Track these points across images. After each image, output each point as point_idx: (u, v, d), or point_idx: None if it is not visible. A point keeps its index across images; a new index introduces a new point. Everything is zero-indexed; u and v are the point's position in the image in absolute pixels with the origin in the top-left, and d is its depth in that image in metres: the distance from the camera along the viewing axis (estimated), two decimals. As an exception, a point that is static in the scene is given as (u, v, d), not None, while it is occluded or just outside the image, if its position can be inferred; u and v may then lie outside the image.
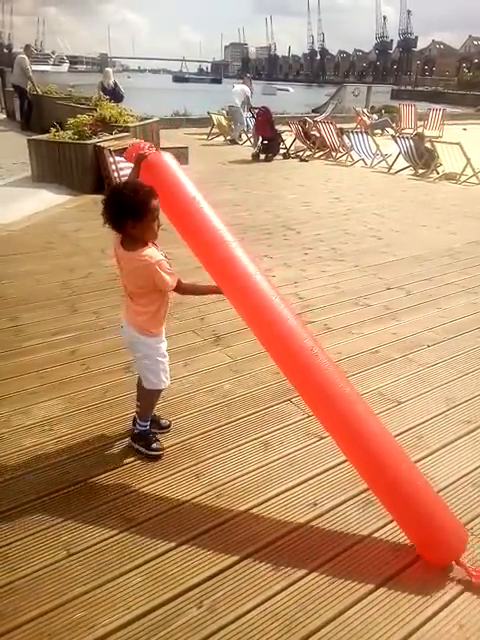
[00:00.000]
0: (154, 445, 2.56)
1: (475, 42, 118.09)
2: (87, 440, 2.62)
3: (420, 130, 15.31)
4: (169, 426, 2.70)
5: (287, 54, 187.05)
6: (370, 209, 7.63)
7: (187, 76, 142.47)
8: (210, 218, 2.26)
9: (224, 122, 14.45)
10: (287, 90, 68.00)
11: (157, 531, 2.12)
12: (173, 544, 2.07)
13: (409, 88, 70.54)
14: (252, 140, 12.94)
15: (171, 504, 2.26)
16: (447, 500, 2.32)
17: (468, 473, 2.50)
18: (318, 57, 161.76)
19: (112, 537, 2.09)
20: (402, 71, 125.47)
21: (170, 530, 2.13)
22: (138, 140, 8.23)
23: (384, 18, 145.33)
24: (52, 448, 2.56)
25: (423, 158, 10.52)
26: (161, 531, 2.12)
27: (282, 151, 12.04)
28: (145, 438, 2.56)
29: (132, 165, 2.30)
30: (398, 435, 2.74)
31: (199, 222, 2.25)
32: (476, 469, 2.52)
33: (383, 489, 2.10)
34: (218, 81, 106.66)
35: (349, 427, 2.08)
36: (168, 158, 2.30)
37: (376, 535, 2.16)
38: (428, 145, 10.60)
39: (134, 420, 2.61)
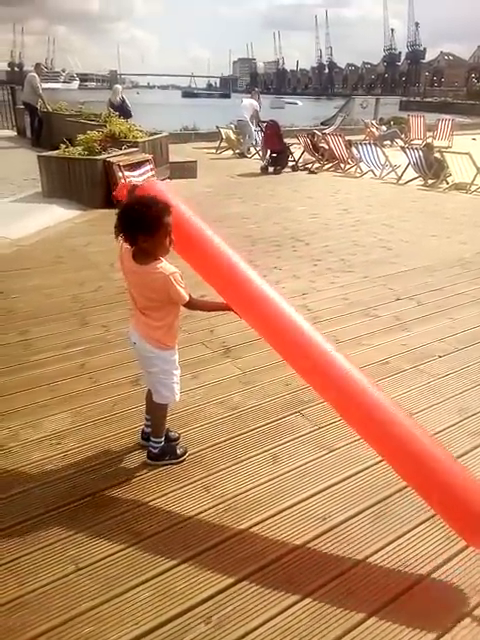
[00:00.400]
0: (179, 451, 2.60)
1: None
2: (95, 454, 2.62)
3: (429, 141, 15.34)
4: (178, 438, 2.69)
5: (295, 68, 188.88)
6: (379, 220, 7.63)
7: (196, 91, 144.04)
8: (209, 236, 2.30)
9: (233, 136, 14.57)
10: (296, 103, 68.44)
11: (165, 545, 2.11)
12: (181, 559, 2.05)
13: (418, 99, 70.77)
14: (261, 153, 13.03)
15: (180, 518, 2.25)
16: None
17: None
18: (326, 70, 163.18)
19: (120, 551, 2.07)
20: (411, 82, 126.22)
21: (179, 544, 2.11)
22: (146, 155, 8.31)
23: (392, 31, 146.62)
24: (60, 462, 2.56)
25: (432, 168, 10.52)
26: (169, 545, 2.11)
27: (291, 163, 12.10)
28: (167, 451, 2.56)
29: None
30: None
31: (199, 241, 2.30)
32: (489, 481, 2.48)
33: (423, 481, 2.04)
34: (227, 96, 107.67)
35: (382, 425, 2.04)
36: (160, 184, 2.39)
37: (386, 550, 2.12)
38: (437, 155, 10.60)
39: (146, 438, 2.61)
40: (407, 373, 3.47)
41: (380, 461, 2.61)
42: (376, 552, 2.11)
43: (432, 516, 2.28)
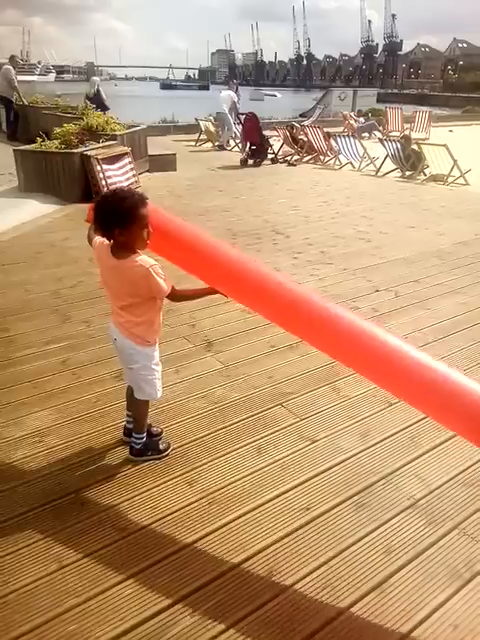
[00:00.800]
0: (162, 446, 2.59)
1: (459, 44, 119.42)
2: (79, 451, 2.60)
3: (407, 133, 15.44)
4: (161, 434, 2.68)
5: (274, 60, 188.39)
6: (358, 212, 7.67)
7: (174, 83, 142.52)
8: (184, 224, 2.33)
9: (212, 128, 14.51)
10: (274, 95, 68.29)
11: (149, 541, 2.11)
12: (165, 554, 2.06)
13: (395, 91, 71.27)
14: (240, 146, 12.99)
15: (163, 513, 2.25)
16: (439, 500, 2.34)
17: (459, 473, 2.51)
18: (304, 62, 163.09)
19: (104, 548, 2.07)
20: (388, 74, 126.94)
21: (162, 539, 2.12)
22: (125, 148, 8.22)
23: (369, 22, 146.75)
24: (44, 459, 2.55)
25: (410, 160, 10.59)
26: (153, 540, 2.11)
27: (270, 156, 12.09)
28: (149, 447, 2.56)
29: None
30: (391, 436, 2.77)
31: (175, 231, 2.31)
32: (466, 469, 2.54)
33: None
34: (206, 87, 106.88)
35: (422, 378, 1.92)
36: None
37: (368, 538, 2.16)
38: (415, 147, 10.67)
39: (128, 434, 2.60)
40: (387, 364, 3.50)
41: (363, 450, 2.65)
42: (359, 540, 2.14)
43: (413, 503, 2.33)
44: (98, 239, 2.27)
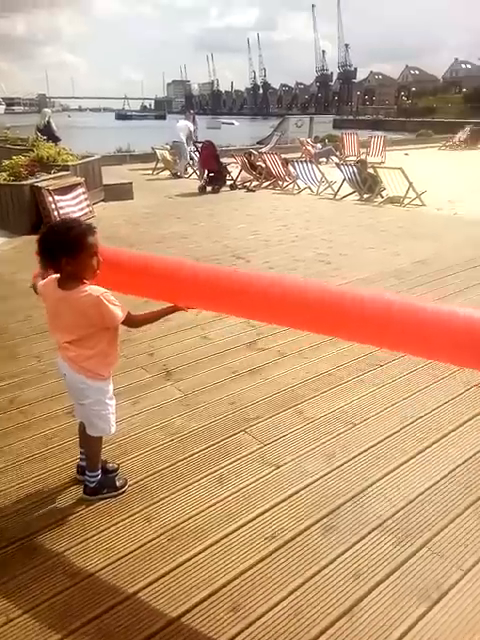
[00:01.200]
0: (118, 483, 2.48)
1: (412, 71, 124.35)
2: (28, 493, 2.46)
3: (363, 157, 15.83)
4: (117, 469, 2.56)
5: (230, 89, 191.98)
6: (318, 235, 7.74)
7: (130, 113, 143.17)
8: (135, 253, 2.30)
9: (168, 157, 14.61)
10: (232, 123, 69.50)
11: (105, 584, 1.99)
12: (123, 596, 1.94)
13: (351, 117, 73.47)
14: (198, 173, 13.09)
15: (120, 553, 2.13)
16: (406, 519, 2.30)
17: (424, 491, 2.47)
18: (261, 91, 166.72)
19: (56, 596, 1.94)
20: (343, 101, 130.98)
21: (119, 581, 2.00)
22: (78, 179, 8.16)
23: (323, 52, 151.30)
24: (-7, 504, 2.40)
25: (367, 183, 10.81)
26: (109, 583, 1.99)
27: (229, 182, 12.20)
28: (105, 484, 2.44)
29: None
30: (356, 456, 2.72)
31: (128, 261, 2.26)
32: (431, 487, 2.50)
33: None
34: (162, 117, 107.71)
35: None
36: None
37: (338, 561, 2.10)
38: (371, 171, 10.91)
39: (82, 472, 2.48)
40: (350, 383, 3.49)
41: (329, 472, 2.59)
42: (328, 565, 2.08)
43: (381, 524, 2.28)
44: (41, 283, 2.19)
